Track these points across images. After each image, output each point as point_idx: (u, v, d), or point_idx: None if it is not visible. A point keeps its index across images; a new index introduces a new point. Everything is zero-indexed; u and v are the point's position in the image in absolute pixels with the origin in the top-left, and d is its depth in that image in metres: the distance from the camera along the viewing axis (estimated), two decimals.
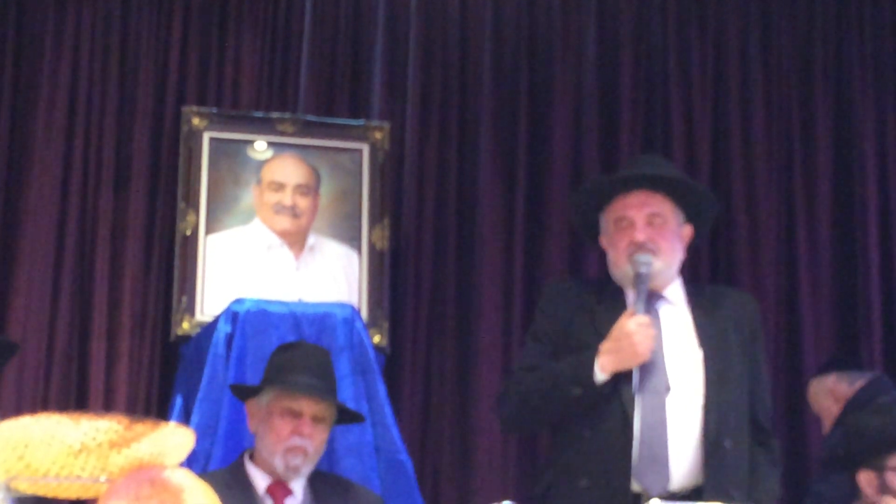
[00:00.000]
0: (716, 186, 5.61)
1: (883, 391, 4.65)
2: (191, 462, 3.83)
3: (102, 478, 2.24)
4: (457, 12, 5.59)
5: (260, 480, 3.80)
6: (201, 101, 5.27)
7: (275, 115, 5.24)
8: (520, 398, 3.53)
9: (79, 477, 2.24)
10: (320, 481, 3.84)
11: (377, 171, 5.23)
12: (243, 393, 3.95)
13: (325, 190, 5.20)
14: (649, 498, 3.30)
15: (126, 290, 5.09)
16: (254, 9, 5.41)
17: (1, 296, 5.02)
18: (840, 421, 4.61)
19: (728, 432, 3.43)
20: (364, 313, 4.99)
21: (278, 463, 3.75)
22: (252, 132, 5.18)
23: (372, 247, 5.16)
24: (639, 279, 3.46)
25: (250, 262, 5.06)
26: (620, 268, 3.54)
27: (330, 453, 3.92)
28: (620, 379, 3.41)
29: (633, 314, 3.42)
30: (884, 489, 3.76)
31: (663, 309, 3.55)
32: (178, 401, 4.69)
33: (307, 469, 3.78)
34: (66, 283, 5.05)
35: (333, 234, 5.17)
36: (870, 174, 5.63)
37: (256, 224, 5.11)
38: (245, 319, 4.54)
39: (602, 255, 5.24)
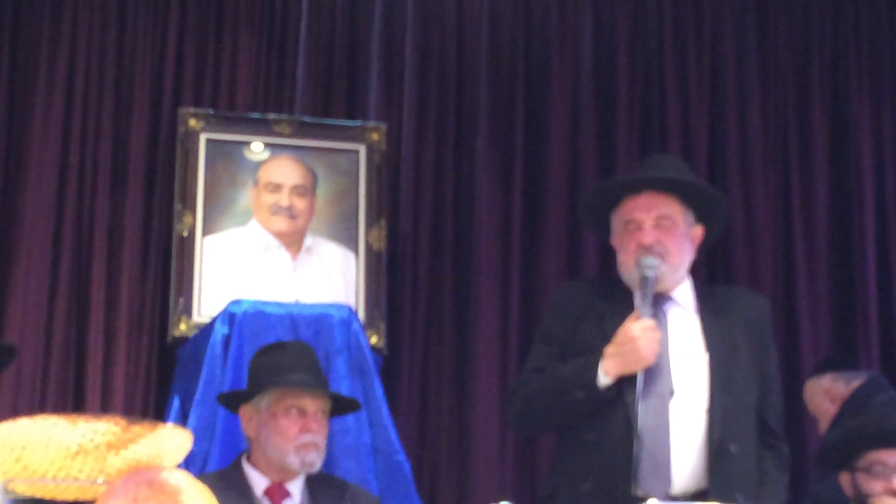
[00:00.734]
0: (712, 186, 5.61)
1: (880, 391, 4.65)
2: (188, 464, 3.82)
3: (100, 479, 2.24)
4: (453, 13, 5.59)
5: (258, 482, 3.80)
6: (198, 103, 5.27)
7: (271, 116, 5.23)
8: (525, 400, 3.53)
9: (76, 479, 2.24)
10: (318, 482, 3.85)
11: (374, 171, 5.22)
12: (236, 400, 3.93)
13: (322, 191, 5.20)
14: (650, 501, 3.28)
15: (123, 291, 5.09)
16: (250, 10, 5.41)
17: None
18: (837, 421, 4.61)
19: (733, 437, 3.42)
20: (361, 314, 4.99)
21: (293, 461, 3.75)
22: (249, 133, 5.18)
23: (369, 248, 5.16)
24: (644, 283, 3.45)
25: (247, 263, 5.05)
26: (628, 270, 3.53)
27: (328, 454, 3.92)
28: (624, 383, 3.40)
29: (638, 317, 3.42)
30: (857, 491, 3.74)
31: (671, 311, 3.54)
32: (176, 402, 4.69)
33: (320, 463, 3.80)
34: (63, 285, 5.05)
35: (330, 235, 5.17)
36: (866, 174, 5.64)
37: (253, 225, 5.11)
38: (242, 321, 4.54)
39: (601, 256, 5.27)
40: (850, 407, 4.58)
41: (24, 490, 2.29)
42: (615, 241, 3.61)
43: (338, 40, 5.48)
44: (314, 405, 3.81)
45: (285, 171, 5.17)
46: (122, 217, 5.16)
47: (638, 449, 3.32)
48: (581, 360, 3.46)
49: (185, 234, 5.02)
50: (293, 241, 5.12)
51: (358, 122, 5.32)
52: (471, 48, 5.59)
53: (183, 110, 5.16)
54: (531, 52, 5.63)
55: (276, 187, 5.14)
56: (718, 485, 3.36)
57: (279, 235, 5.11)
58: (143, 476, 2.24)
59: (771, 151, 5.67)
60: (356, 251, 5.15)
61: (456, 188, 5.48)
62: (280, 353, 3.90)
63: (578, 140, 5.56)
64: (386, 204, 5.23)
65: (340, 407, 3.99)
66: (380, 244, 5.17)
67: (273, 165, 5.17)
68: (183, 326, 4.93)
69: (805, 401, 5.07)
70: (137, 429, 2.24)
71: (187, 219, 5.04)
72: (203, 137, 5.12)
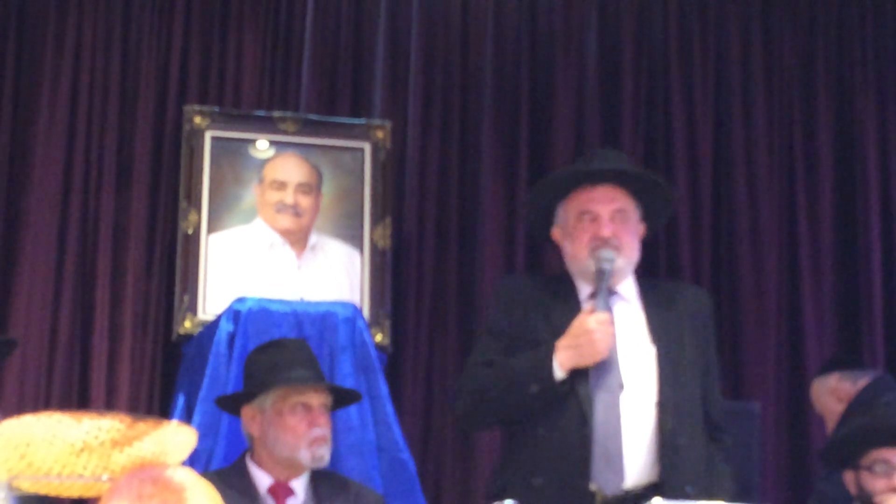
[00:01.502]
0: (717, 186, 5.61)
1: (887, 390, 4.65)
2: (193, 461, 3.82)
3: (104, 477, 2.24)
4: (458, 10, 5.59)
5: (262, 480, 3.80)
6: (203, 100, 5.27)
7: (276, 113, 5.23)
8: (475, 394, 3.47)
9: (81, 476, 2.24)
10: (322, 480, 3.85)
11: (379, 169, 5.22)
12: (238, 401, 3.93)
13: (327, 189, 5.20)
14: (603, 496, 3.30)
15: (128, 289, 5.09)
16: (255, 7, 5.41)
17: (3, 295, 5.02)
18: (843, 420, 4.61)
19: (682, 429, 3.41)
20: (366, 312, 4.99)
21: (304, 457, 3.75)
22: (254, 131, 5.18)
23: (374, 245, 5.16)
24: (601, 275, 3.43)
25: (252, 261, 5.05)
26: (580, 262, 3.50)
27: (332, 452, 3.92)
28: (576, 376, 3.39)
29: (593, 311, 3.40)
30: (861, 489, 3.74)
31: (617, 305, 3.51)
32: (180, 400, 4.69)
33: (328, 457, 3.80)
34: (68, 282, 5.05)
35: (335, 233, 5.17)
36: (871, 174, 5.63)
37: (258, 223, 5.11)
38: (247, 318, 4.54)
39: None
40: (857, 406, 4.57)
41: (28, 487, 2.29)
42: (560, 233, 3.58)
43: (343, 38, 5.48)
44: (317, 400, 3.82)
45: (290, 169, 5.17)
46: (126, 214, 5.16)
47: (592, 443, 3.32)
48: (533, 354, 3.43)
49: (190, 231, 5.03)
50: (298, 239, 5.12)
51: (363, 120, 5.32)
52: (476, 46, 5.58)
53: (188, 108, 5.16)
54: (536, 50, 5.62)
55: (281, 185, 5.14)
56: (669, 478, 3.35)
57: (284, 233, 5.11)
58: (147, 473, 2.24)
59: (776, 150, 5.66)
60: (361, 249, 5.15)
61: (461, 186, 5.48)
62: (277, 350, 3.90)
63: (583, 138, 5.55)
64: (391, 202, 5.23)
65: (341, 401, 3.99)
66: (384, 242, 5.17)
67: (278, 163, 5.17)
68: (188, 324, 4.93)
69: (812, 400, 5.07)
70: (142, 426, 2.24)
71: (192, 216, 5.04)
72: (208, 135, 5.12)
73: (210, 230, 5.05)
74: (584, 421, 3.34)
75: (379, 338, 4.98)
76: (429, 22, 5.57)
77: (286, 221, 5.12)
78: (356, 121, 5.32)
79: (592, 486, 3.33)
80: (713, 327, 3.66)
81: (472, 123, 5.53)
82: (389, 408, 4.57)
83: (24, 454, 2.21)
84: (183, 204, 5.04)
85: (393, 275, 5.22)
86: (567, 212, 3.55)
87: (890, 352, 5.48)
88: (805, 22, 5.78)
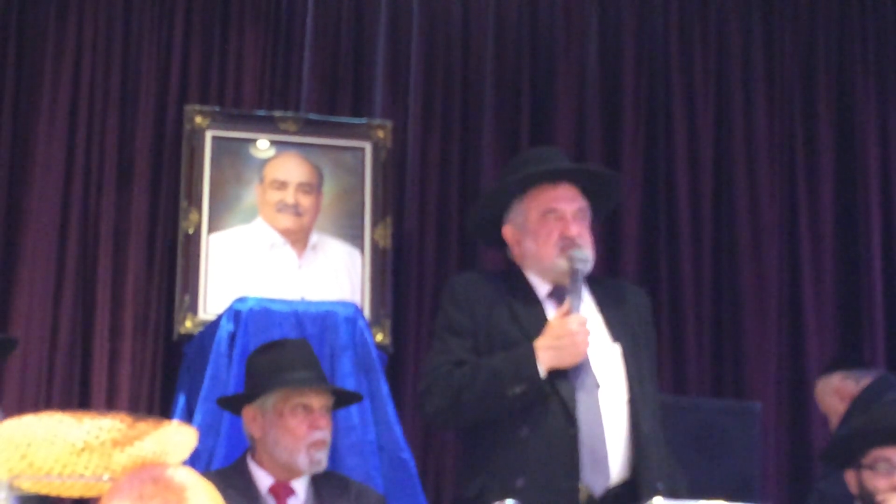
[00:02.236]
0: (718, 186, 5.61)
1: (889, 389, 4.65)
2: (194, 461, 3.82)
3: (105, 476, 2.24)
4: (459, 10, 5.59)
5: (262, 480, 3.80)
6: (204, 100, 5.27)
7: (277, 113, 5.23)
8: (451, 394, 3.44)
9: (82, 476, 2.24)
10: (323, 480, 3.84)
11: (379, 169, 5.22)
12: (239, 402, 3.92)
13: (328, 188, 5.20)
14: (589, 494, 3.31)
15: (128, 288, 5.09)
16: (256, 7, 5.41)
17: (4, 294, 5.02)
18: (846, 419, 4.61)
19: (650, 426, 3.43)
20: (367, 312, 4.99)
21: (302, 460, 3.74)
22: (254, 131, 5.18)
23: (374, 245, 5.16)
24: (576, 275, 3.44)
25: (253, 260, 5.05)
26: (548, 261, 3.50)
27: (333, 452, 3.92)
28: (555, 377, 3.39)
29: (569, 311, 3.40)
30: (862, 488, 3.74)
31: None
32: (181, 399, 4.69)
33: (326, 461, 3.79)
34: (69, 282, 5.05)
35: (336, 233, 5.17)
36: (872, 174, 5.63)
37: (259, 223, 5.11)
38: (248, 318, 4.54)
39: (604, 250, 5.25)
40: (860, 405, 4.58)
41: (29, 487, 2.28)
42: (514, 232, 3.57)
43: (344, 38, 5.48)
44: (319, 401, 3.81)
45: (291, 169, 5.17)
46: (127, 214, 5.16)
47: (579, 443, 3.33)
48: (512, 354, 3.42)
49: (191, 231, 5.03)
50: (299, 239, 5.13)
51: (364, 120, 5.32)
52: (476, 45, 5.58)
53: (189, 107, 5.16)
54: (537, 50, 5.62)
55: (282, 185, 5.14)
56: (641, 474, 3.36)
57: (285, 233, 5.11)
58: (148, 473, 2.24)
59: (777, 150, 5.66)
60: (362, 249, 5.15)
61: (462, 185, 5.48)
62: (279, 351, 3.89)
63: (584, 138, 5.55)
64: (392, 201, 5.23)
65: (341, 401, 3.99)
66: (385, 242, 5.17)
67: (279, 163, 5.17)
68: (189, 324, 4.93)
69: (816, 399, 5.08)
70: (143, 426, 2.24)
71: (193, 216, 5.04)
72: (209, 135, 5.12)
73: (211, 230, 5.05)
74: (570, 421, 3.35)
75: (380, 337, 4.98)
76: (429, 21, 5.57)
77: (287, 221, 5.12)
78: (357, 120, 5.32)
79: (581, 486, 3.33)
80: (653, 325, 3.69)
81: (472, 123, 5.53)
82: (390, 407, 4.57)
83: (25, 454, 2.21)
84: (184, 203, 5.04)
85: (394, 274, 5.22)
86: (527, 210, 3.55)
87: (891, 351, 5.47)
88: (805, 22, 5.77)
